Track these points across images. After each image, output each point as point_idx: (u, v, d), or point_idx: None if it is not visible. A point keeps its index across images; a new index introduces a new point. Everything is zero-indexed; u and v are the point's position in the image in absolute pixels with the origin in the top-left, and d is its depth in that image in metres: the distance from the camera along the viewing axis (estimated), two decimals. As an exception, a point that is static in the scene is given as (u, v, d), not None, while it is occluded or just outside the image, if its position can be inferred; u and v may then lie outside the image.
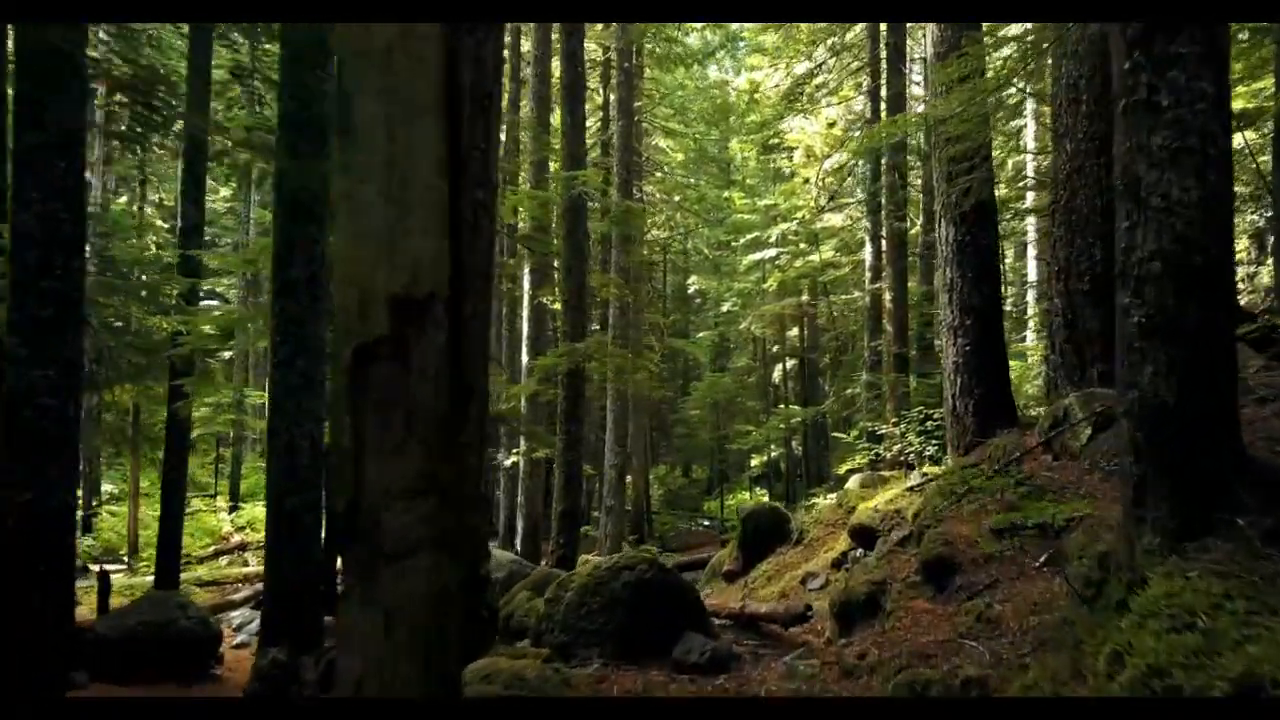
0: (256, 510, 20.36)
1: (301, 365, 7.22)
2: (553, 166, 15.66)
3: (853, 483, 13.74)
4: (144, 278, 9.67)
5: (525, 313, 15.94)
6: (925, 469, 7.93)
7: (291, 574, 7.10)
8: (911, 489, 7.34)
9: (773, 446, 25.13)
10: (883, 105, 17.72)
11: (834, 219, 22.94)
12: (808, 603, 5.99)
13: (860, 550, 7.11)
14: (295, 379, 7.21)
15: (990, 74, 7.77)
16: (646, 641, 4.86)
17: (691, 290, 32.53)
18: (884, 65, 17.20)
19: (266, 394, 7.31)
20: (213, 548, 17.77)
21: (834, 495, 14.24)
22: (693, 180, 25.23)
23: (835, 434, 21.05)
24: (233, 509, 20.95)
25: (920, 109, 21.14)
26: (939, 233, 7.98)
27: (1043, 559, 4.79)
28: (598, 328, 22.10)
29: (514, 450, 14.83)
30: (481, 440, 5.35)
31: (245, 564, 15.79)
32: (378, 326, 2.58)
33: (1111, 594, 2.75)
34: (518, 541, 16.68)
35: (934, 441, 14.47)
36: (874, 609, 5.33)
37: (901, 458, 14.39)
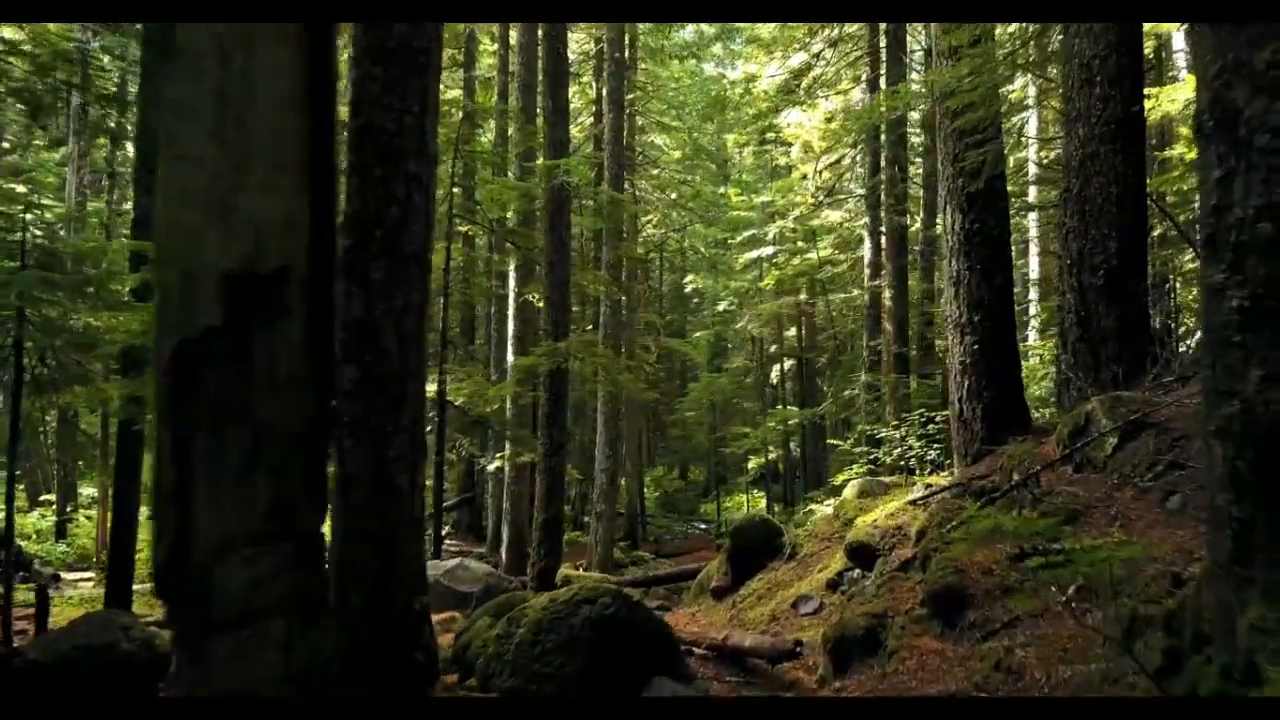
0: None
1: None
2: (540, 159, 14.93)
3: (850, 490, 13.00)
4: (92, 273, 8.96)
5: (511, 310, 15.22)
6: (929, 478, 7.20)
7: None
8: (914, 502, 6.61)
9: (770, 448, 24.41)
10: (882, 95, 16.98)
11: (832, 215, 22.22)
12: (798, 638, 5.25)
13: (858, 571, 6.38)
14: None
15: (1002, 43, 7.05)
16: (610, 688, 4.14)
17: (689, 290, 31.80)
18: (883, 55, 16.48)
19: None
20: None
21: (830, 503, 13.51)
22: (689, 177, 24.50)
23: (832, 441, 20.32)
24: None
25: (923, 104, 20.44)
26: (944, 221, 7.25)
27: (1071, 592, 4.06)
28: (591, 327, 21.41)
29: (498, 454, 14.10)
30: (415, 452, 4.58)
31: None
32: (207, 315, 1.84)
33: (1199, 678, 2.03)
34: (503, 550, 15.97)
35: (935, 445, 13.74)
36: (873, 646, 4.60)
37: (902, 462, 13.67)
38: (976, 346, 6.93)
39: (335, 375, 3.20)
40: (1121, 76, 7.65)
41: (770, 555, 8.29)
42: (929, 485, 6.93)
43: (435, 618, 10.26)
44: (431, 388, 13.67)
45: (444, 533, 21.50)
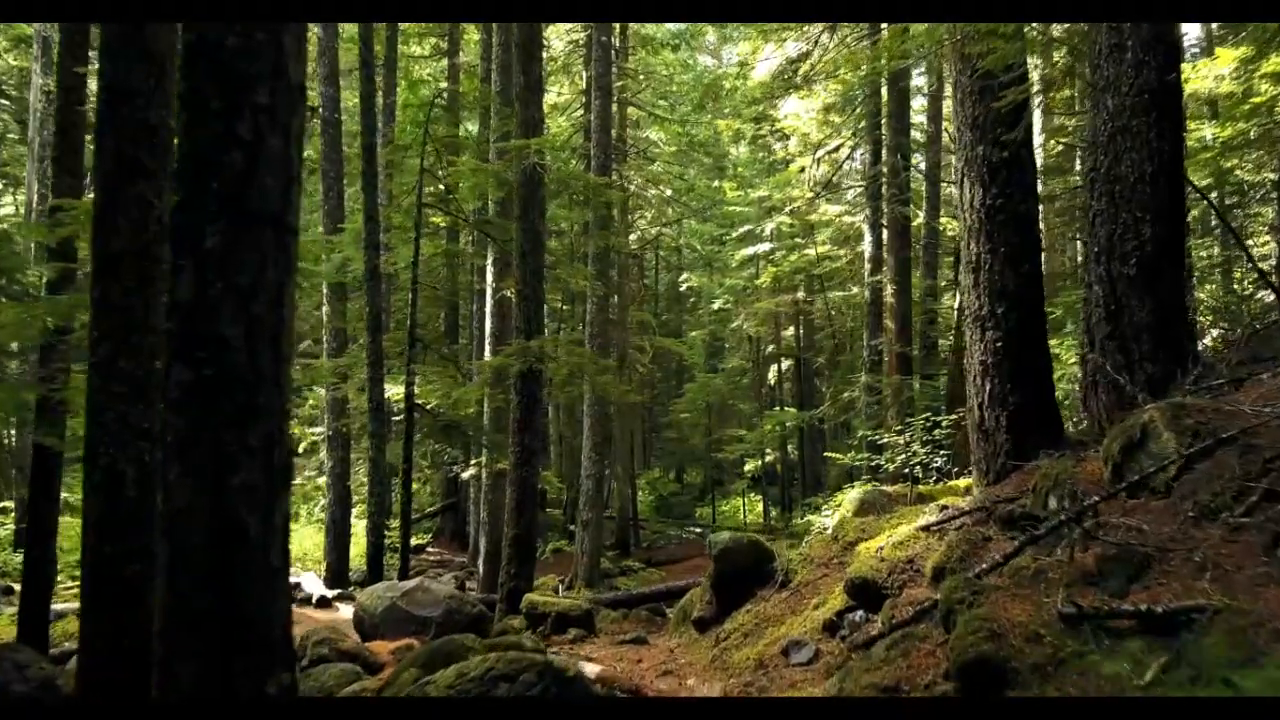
0: None
1: (127, 367, 5.43)
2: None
3: (850, 501, 11.87)
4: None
5: (488, 307, 14.12)
6: (934, 488, 6.07)
7: (110, 644, 5.31)
8: (928, 528, 5.49)
9: (768, 451, 23.28)
10: (884, 81, 15.89)
11: (830, 210, 21.10)
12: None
13: (861, 613, 5.26)
14: (118, 385, 5.42)
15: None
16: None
17: (684, 288, 30.67)
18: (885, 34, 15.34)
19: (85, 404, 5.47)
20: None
21: (829, 515, 12.39)
22: (684, 171, 23.38)
23: (832, 454, 19.20)
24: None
25: (925, 97, 19.25)
26: (961, 197, 6.12)
27: (1151, 676, 2.94)
28: (582, 326, 20.30)
29: (473, 461, 13.00)
30: (271, 482, 3.44)
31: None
32: None
33: None
34: (480, 562, 14.88)
35: (942, 452, 12.64)
36: (883, 733, 3.48)
37: (906, 469, 12.56)
38: (1000, 344, 5.81)
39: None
40: (1155, 41, 6.56)
41: (760, 583, 7.17)
42: (943, 506, 5.80)
43: (389, 646, 9.14)
44: (399, 390, 12.58)
45: (425, 541, 20.43)
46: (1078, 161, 15.52)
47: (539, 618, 8.39)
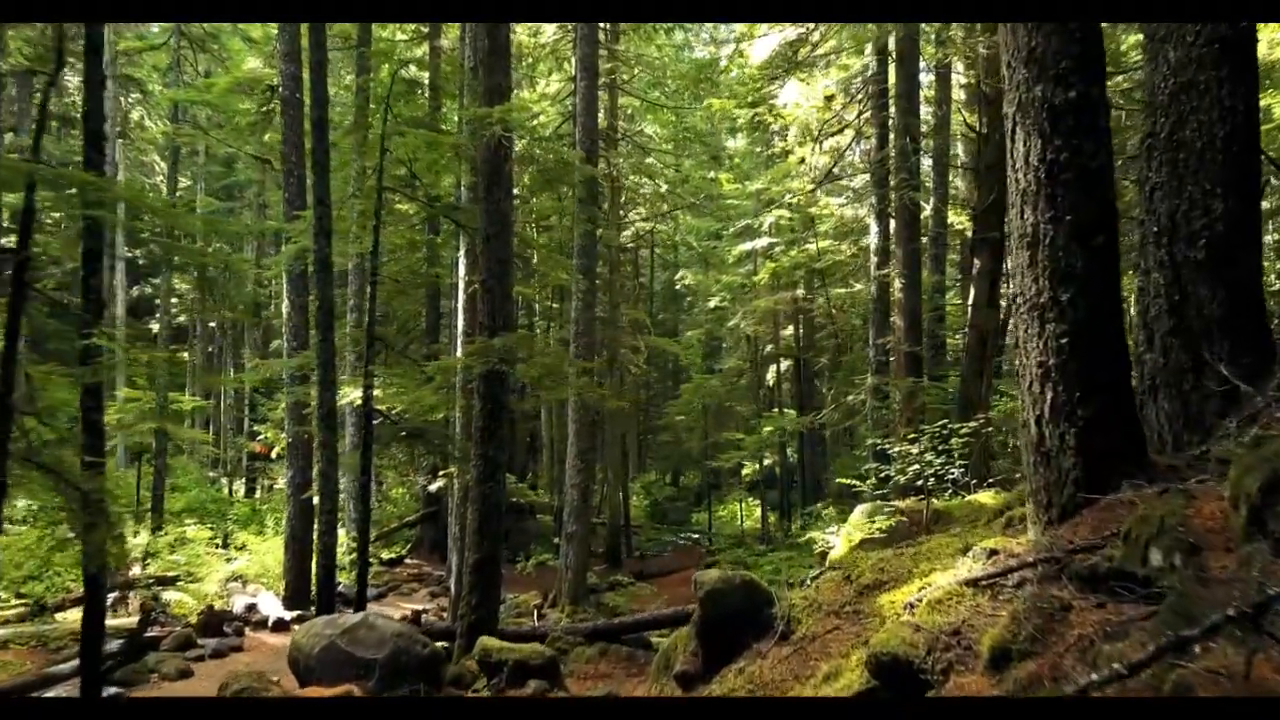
0: (195, 531, 17.18)
1: None
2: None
3: (856, 519, 10.47)
4: None
5: (460, 302, 12.70)
6: (988, 541, 4.66)
7: None
8: (976, 583, 4.08)
9: (767, 452, 21.83)
10: (890, 60, 14.50)
11: (832, 202, 19.68)
12: None
13: (889, 694, 3.85)
14: None
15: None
16: None
17: (681, 286, 29.25)
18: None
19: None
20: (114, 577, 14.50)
21: (831, 535, 10.97)
22: (677, 161, 21.94)
23: (843, 479, 17.77)
24: (155, 531, 17.64)
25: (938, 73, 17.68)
26: (1012, 152, 4.70)
27: None
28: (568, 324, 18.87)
29: (441, 473, 11.59)
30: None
31: (115, 608, 12.51)
32: None
33: None
34: (452, 580, 13.45)
35: (959, 464, 11.22)
36: None
37: (920, 482, 11.15)
38: (1066, 340, 4.38)
39: None
40: (1228, -24, 5.20)
41: (756, 632, 5.74)
42: (992, 551, 4.37)
43: (326, 693, 7.74)
44: (357, 393, 11.17)
45: (404, 552, 19.01)
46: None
47: (495, 666, 6.98)
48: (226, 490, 24.66)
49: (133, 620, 10.62)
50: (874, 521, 9.99)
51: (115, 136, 18.55)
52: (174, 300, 28.21)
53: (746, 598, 5.89)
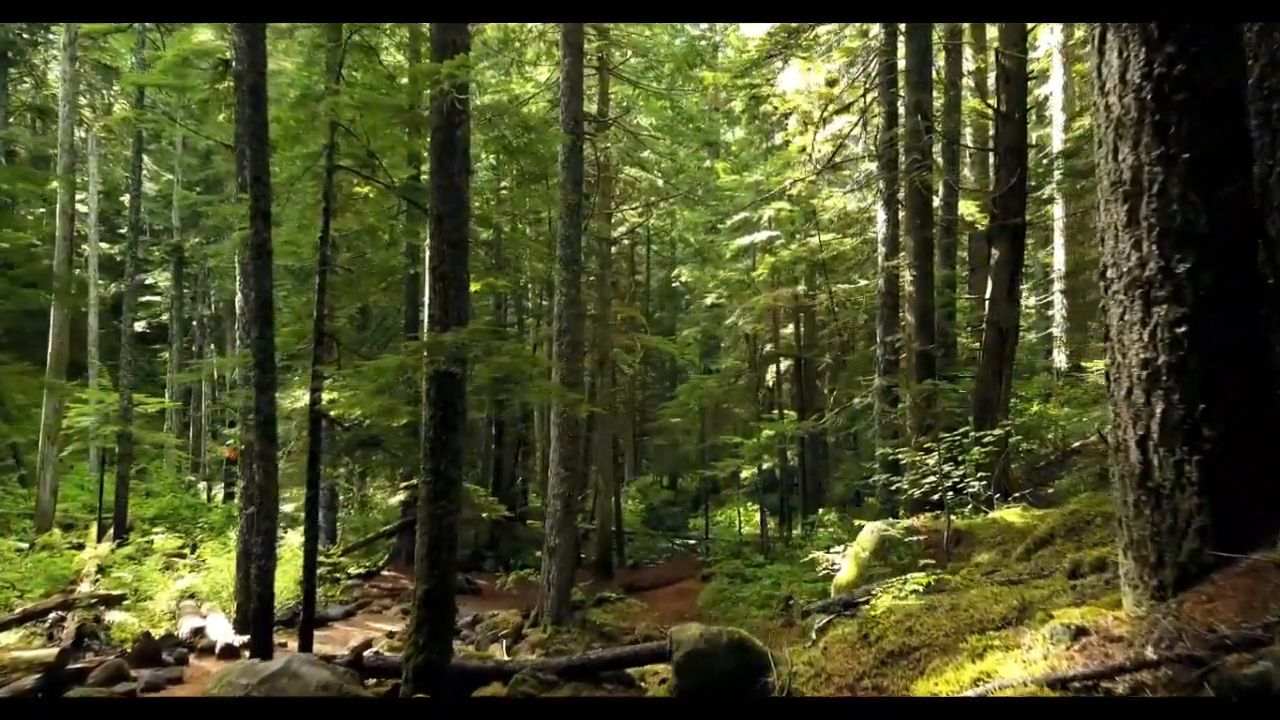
0: (163, 540, 15.89)
1: None
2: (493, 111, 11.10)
3: (863, 541, 9.09)
4: None
5: (426, 296, 11.35)
6: (1069, 613, 3.30)
7: None
8: (1067, 684, 2.72)
9: (765, 456, 20.46)
10: (899, 34, 13.14)
11: (835, 194, 18.31)
12: None
13: None
14: None
15: None
16: None
17: (678, 284, 27.88)
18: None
19: None
20: (57, 596, 13.16)
21: (836, 557, 9.61)
22: (671, 149, 20.56)
23: (839, 486, 16.41)
24: (119, 540, 16.30)
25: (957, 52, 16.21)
26: (1100, 69, 3.34)
27: None
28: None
29: (402, 485, 10.22)
30: None
31: (52, 632, 11.16)
32: None
33: None
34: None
35: (979, 476, 9.87)
36: None
37: (936, 495, 9.80)
38: (1185, 328, 3.02)
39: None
40: None
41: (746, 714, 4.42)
42: (1080, 630, 3.01)
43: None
44: (303, 396, 9.86)
45: (380, 564, 17.65)
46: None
47: (430, 732, 5.62)
48: (205, 495, 23.35)
49: (53, 651, 9.26)
50: (883, 546, 8.64)
51: (76, 123, 17.25)
52: (155, 298, 26.97)
53: (735, 662, 4.53)
